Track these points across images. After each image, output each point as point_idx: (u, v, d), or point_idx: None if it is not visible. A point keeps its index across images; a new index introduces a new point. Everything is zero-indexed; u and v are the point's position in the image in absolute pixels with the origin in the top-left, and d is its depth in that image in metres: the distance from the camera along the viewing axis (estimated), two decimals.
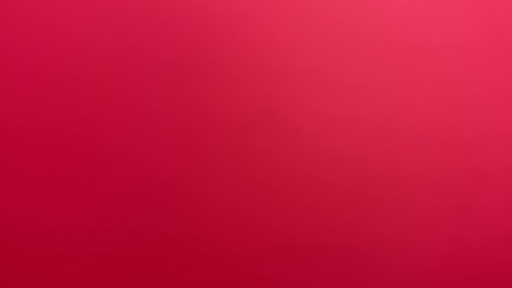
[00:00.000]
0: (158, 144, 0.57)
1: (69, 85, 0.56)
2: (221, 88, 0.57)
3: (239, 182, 0.57)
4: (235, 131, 0.57)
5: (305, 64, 0.58)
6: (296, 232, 0.58)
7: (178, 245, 0.57)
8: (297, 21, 0.58)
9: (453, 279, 0.59)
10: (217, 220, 0.57)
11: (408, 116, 0.58)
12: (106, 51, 0.57)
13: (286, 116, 0.57)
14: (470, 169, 0.59)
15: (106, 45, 0.57)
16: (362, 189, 0.58)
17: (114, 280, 0.57)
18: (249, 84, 0.57)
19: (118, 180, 0.57)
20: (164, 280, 0.57)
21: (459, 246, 0.59)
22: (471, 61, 0.59)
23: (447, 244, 0.59)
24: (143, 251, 0.57)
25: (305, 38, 0.58)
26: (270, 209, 0.57)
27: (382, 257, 0.58)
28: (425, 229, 0.58)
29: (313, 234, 0.58)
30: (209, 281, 0.57)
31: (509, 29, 0.59)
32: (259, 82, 0.57)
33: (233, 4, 0.57)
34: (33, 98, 0.56)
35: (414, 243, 0.58)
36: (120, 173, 0.57)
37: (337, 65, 0.58)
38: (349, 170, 0.58)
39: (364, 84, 0.58)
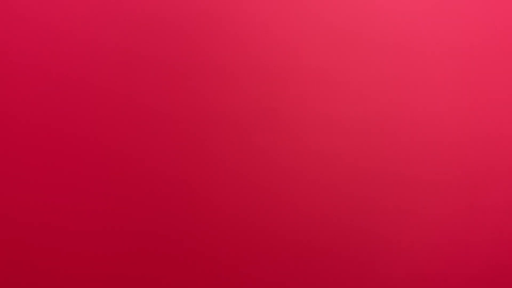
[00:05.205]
0: (158, 143, 0.57)
1: (71, 85, 0.56)
2: (221, 87, 0.57)
3: (239, 181, 0.57)
4: (235, 131, 0.57)
5: (305, 63, 0.58)
6: (297, 232, 0.58)
7: (178, 245, 0.57)
8: (297, 21, 0.58)
9: (456, 280, 0.59)
10: (217, 219, 0.57)
11: (409, 116, 0.58)
12: (108, 52, 0.57)
13: (286, 116, 0.57)
14: (472, 169, 0.59)
15: (107, 46, 0.57)
16: (363, 189, 0.58)
17: (115, 280, 0.57)
18: (249, 84, 0.57)
19: (117, 180, 0.57)
20: (165, 280, 0.57)
21: (461, 246, 0.59)
22: (472, 61, 0.59)
23: (449, 245, 0.59)
24: (144, 252, 0.57)
25: (306, 38, 0.58)
26: (270, 209, 0.58)
27: (383, 258, 0.58)
28: (427, 229, 0.59)
29: (314, 234, 0.58)
30: (210, 281, 0.57)
31: (510, 29, 0.59)
32: (259, 82, 0.57)
33: (234, 4, 0.57)
34: (35, 99, 0.56)
35: (415, 243, 0.59)
36: (120, 173, 0.57)
37: (337, 65, 0.58)
38: (350, 170, 0.58)
39: (365, 83, 0.58)
